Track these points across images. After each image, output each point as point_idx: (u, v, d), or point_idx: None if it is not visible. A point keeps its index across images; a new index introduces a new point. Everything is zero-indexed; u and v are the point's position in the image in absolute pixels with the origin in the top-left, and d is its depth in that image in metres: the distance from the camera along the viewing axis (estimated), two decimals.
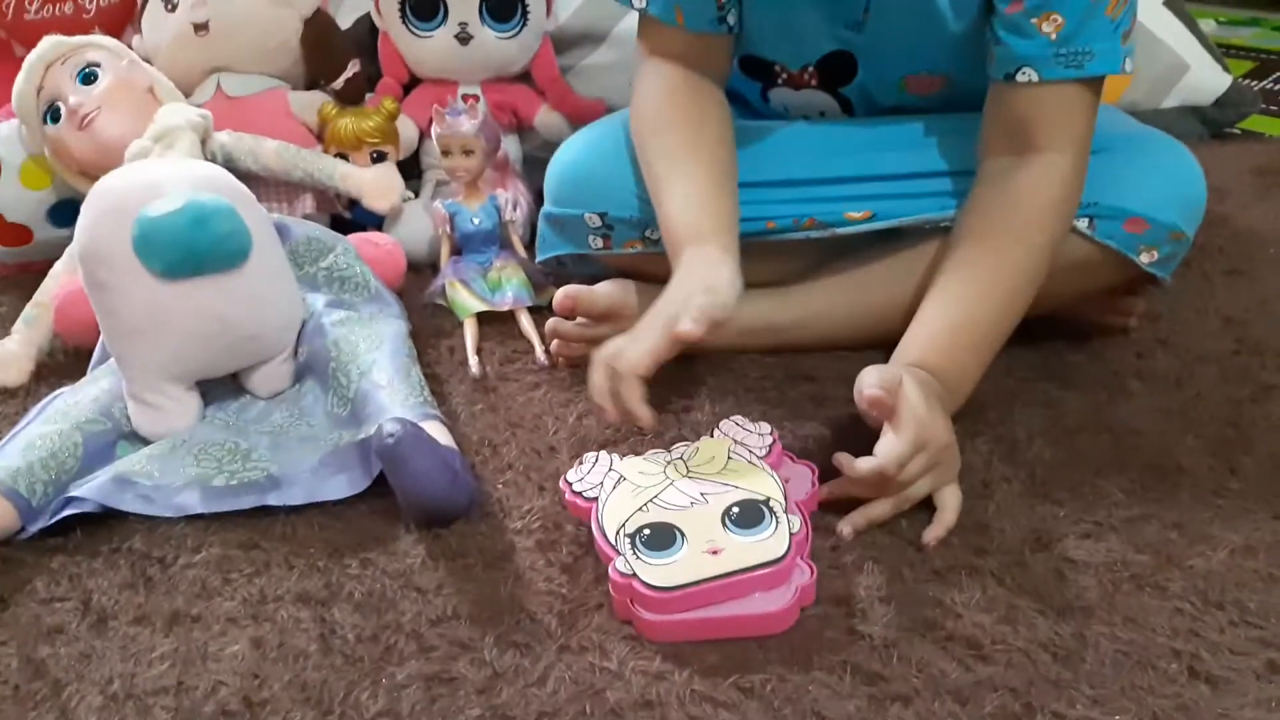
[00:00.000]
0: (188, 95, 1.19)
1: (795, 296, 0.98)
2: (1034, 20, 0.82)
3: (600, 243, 1.00)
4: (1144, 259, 0.90)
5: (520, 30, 1.24)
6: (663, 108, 0.93)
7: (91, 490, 0.82)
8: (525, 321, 1.06)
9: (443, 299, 1.10)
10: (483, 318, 1.07)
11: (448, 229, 1.11)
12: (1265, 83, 1.73)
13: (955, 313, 0.84)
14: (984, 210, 0.86)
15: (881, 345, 0.96)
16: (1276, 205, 1.28)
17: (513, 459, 0.88)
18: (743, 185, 0.93)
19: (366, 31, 1.32)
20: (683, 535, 0.72)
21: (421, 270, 1.17)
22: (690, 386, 0.95)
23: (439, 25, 1.23)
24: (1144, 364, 0.96)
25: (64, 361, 1.05)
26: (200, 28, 1.20)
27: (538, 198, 1.08)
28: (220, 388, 0.94)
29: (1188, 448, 0.85)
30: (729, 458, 0.79)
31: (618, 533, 0.73)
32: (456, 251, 1.12)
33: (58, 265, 1.07)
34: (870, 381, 0.74)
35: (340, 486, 0.83)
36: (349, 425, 0.88)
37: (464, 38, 1.23)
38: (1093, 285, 0.94)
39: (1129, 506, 0.78)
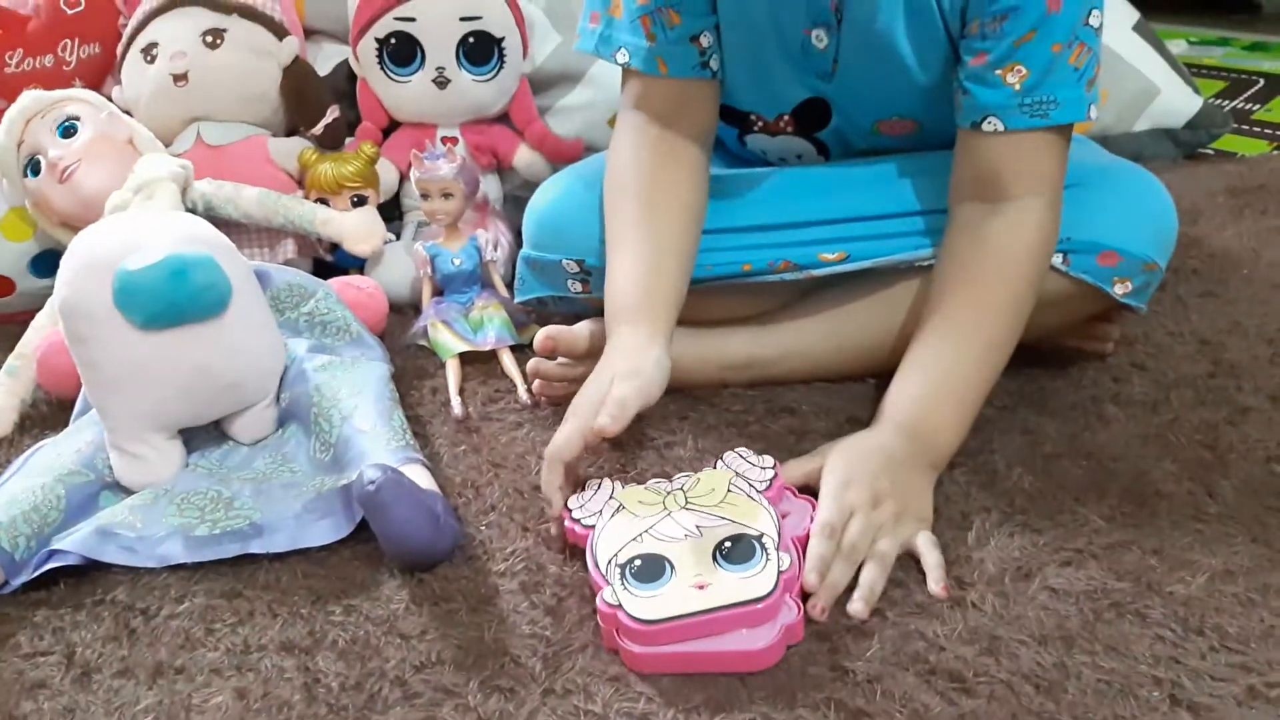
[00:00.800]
0: (168, 145, 1.20)
1: (775, 332, 0.98)
2: (998, 71, 0.83)
3: (579, 287, 1.00)
4: (1118, 291, 0.91)
5: (497, 73, 1.25)
6: (628, 169, 0.94)
7: (74, 543, 0.82)
8: (508, 361, 1.06)
9: (425, 340, 1.10)
10: (465, 358, 1.07)
11: (429, 271, 1.11)
12: (1237, 102, 1.75)
13: (936, 368, 0.84)
14: (960, 260, 0.87)
15: (861, 378, 0.97)
16: (1250, 226, 1.29)
17: (495, 500, 0.88)
18: (718, 231, 0.94)
19: (345, 78, 1.33)
20: (672, 568, 0.72)
21: (404, 312, 1.17)
22: (672, 421, 0.95)
23: (416, 70, 1.24)
24: (1121, 389, 0.97)
25: (47, 412, 1.05)
26: (180, 78, 1.21)
27: (518, 237, 1.09)
28: (203, 435, 0.94)
29: (1166, 472, 0.85)
30: (729, 490, 0.79)
31: (609, 562, 0.74)
32: (438, 292, 1.12)
33: (40, 316, 1.08)
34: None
35: (324, 532, 0.83)
36: (332, 470, 0.88)
37: (441, 82, 1.24)
38: (1069, 317, 0.94)
39: (1109, 533, 0.79)
